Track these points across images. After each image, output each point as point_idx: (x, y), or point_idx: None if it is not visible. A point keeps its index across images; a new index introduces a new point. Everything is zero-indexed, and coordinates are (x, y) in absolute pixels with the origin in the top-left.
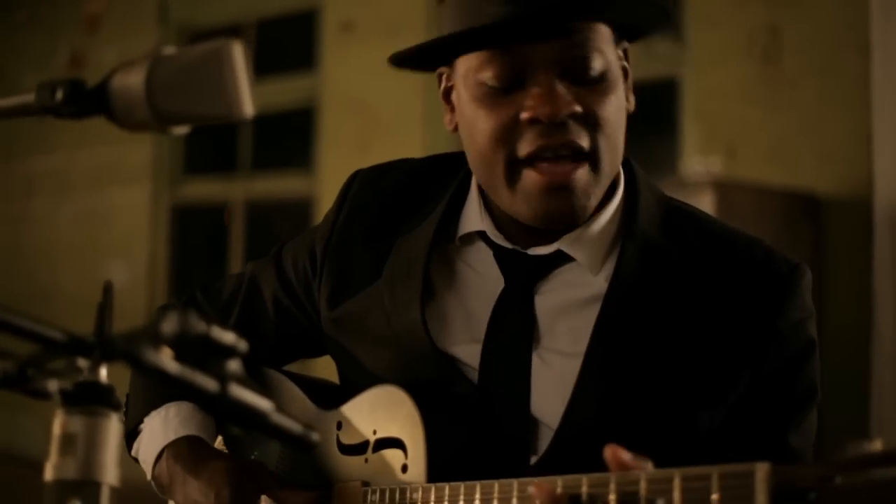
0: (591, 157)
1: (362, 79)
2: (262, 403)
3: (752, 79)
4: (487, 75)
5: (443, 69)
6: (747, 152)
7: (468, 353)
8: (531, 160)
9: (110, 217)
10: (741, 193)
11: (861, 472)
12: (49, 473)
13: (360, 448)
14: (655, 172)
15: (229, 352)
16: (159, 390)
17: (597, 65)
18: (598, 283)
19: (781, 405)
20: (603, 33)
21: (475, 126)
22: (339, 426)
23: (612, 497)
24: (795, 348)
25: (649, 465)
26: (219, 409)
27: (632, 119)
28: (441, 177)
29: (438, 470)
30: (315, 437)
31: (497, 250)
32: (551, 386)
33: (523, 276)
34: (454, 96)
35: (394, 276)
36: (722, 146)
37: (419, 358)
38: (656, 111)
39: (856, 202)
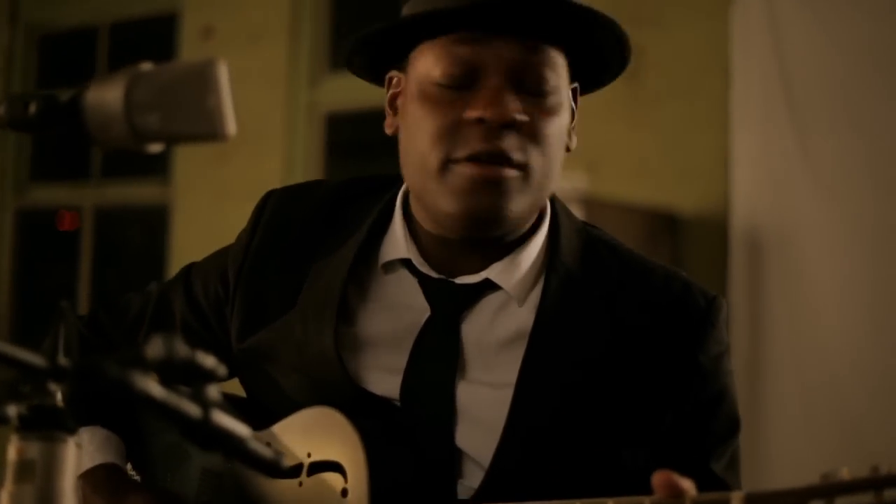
0: (524, 169)
1: None
2: (241, 429)
3: (616, 97)
4: (438, 73)
5: (393, 73)
6: (610, 169)
7: (388, 383)
8: (466, 160)
9: None
10: (604, 209)
11: (832, 498)
12: (5, 502)
13: (292, 472)
14: None
15: (209, 376)
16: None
17: (550, 80)
18: (524, 315)
19: (705, 438)
20: (559, 60)
21: (418, 125)
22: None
23: None
24: (717, 383)
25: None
26: (199, 436)
27: None
28: (361, 201)
29: (376, 495)
30: (285, 463)
31: (422, 279)
32: (478, 417)
33: (450, 305)
34: (400, 101)
35: (307, 305)
36: (584, 163)
37: (333, 389)
38: None
39: (713, 221)
